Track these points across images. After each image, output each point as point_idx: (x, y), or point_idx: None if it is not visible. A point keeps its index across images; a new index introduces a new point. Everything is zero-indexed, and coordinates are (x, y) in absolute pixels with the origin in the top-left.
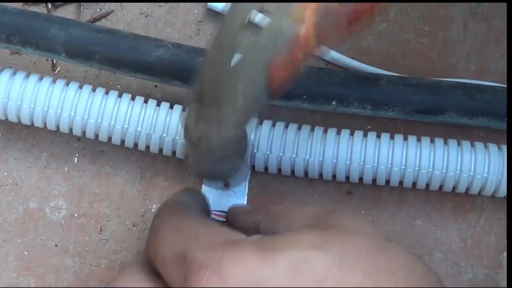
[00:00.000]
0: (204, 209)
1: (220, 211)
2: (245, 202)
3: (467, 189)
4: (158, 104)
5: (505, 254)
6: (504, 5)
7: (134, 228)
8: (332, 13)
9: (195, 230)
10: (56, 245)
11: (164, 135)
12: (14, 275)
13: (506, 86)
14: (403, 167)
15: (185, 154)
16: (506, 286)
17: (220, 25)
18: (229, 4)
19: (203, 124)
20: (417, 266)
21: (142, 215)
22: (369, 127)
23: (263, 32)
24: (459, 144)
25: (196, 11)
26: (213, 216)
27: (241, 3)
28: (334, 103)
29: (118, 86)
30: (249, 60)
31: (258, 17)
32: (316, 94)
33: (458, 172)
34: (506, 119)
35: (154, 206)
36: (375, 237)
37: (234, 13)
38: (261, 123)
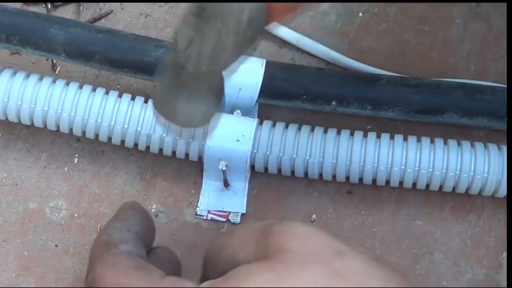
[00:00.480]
0: (142, 236)
1: (220, 211)
2: (245, 202)
3: (467, 189)
4: None
5: (505, 254)
6: (504, 5)
7: None
8: None
9: (135, 285)
10: (56, 246)
11: (164, 135)
12: (14, 275)
13: (506, 86)
14: (403, 167)
15: (155, 95)
16: (506, 286)
17: None
18: None
19: (199, 37)
20: (373, 282)
21: None
22: (369, 127)
23: None
24: (459, 144)
25: None
26: (212, 216)
27: None
28: (334, 103)
29: (118, 86)
30: None
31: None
32: (316, 95)
33: (458, 172)
34: (506, 119)
35: (154, 206)
36: (325, 259)
37: None
38: (261, 123)
